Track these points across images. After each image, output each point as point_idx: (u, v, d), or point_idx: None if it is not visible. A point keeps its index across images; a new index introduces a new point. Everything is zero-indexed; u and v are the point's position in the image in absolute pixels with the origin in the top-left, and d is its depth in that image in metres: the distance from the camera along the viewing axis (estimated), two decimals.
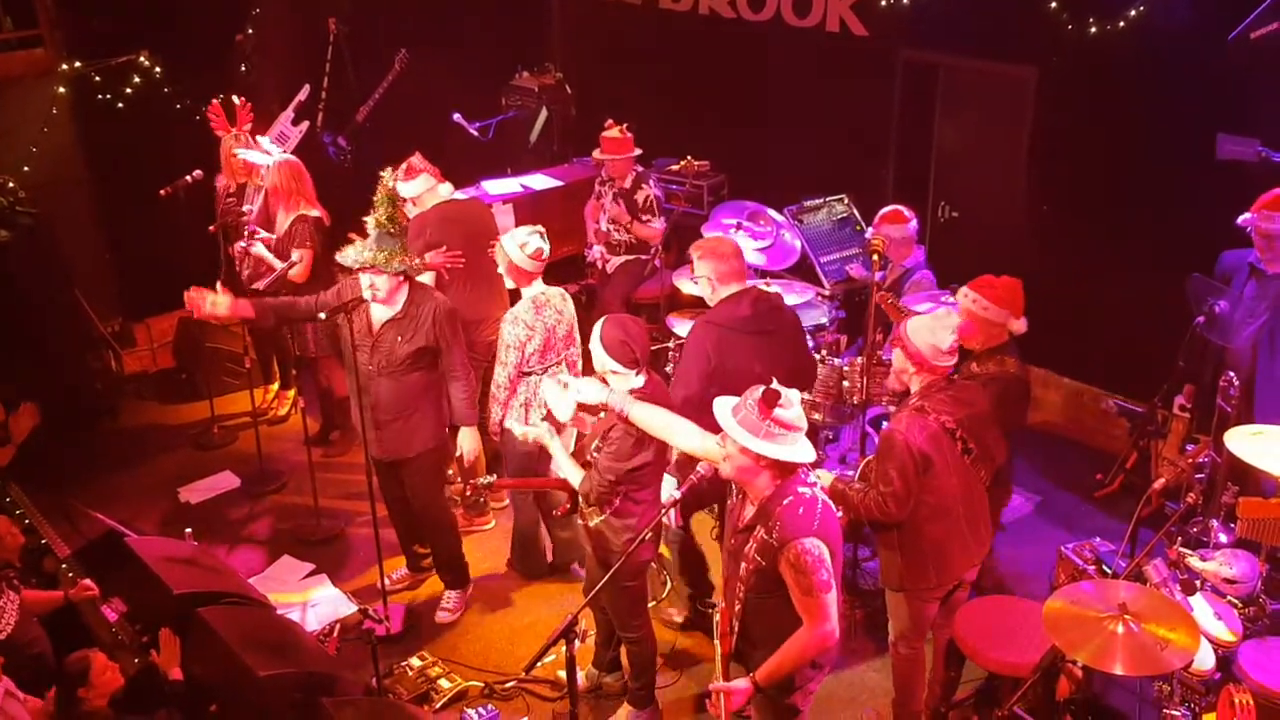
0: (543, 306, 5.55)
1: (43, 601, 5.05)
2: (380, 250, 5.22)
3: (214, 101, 7.06)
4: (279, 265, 6.54)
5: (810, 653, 3.84)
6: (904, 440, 4.40)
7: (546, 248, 5.51)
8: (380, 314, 5.42)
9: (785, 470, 3.80)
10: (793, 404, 3.75)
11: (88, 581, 5.14)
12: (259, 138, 7.14)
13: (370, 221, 5.32)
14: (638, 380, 4.57)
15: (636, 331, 4.58)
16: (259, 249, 6.64)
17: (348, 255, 5.30)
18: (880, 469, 4.48)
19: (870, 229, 6.28)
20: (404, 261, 5.29)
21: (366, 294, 5.30)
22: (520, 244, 5.46)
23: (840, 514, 4.01)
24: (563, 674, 4.24)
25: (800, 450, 3.77)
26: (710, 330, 5.09)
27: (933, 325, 4.53)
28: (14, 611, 4.73)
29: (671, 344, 6.64)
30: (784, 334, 5.25)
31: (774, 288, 6.26)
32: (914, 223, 6.35)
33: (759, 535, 3.80)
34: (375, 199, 5.27)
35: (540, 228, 5.55)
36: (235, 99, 7.07)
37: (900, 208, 6.34)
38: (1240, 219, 5.46)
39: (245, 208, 6.98)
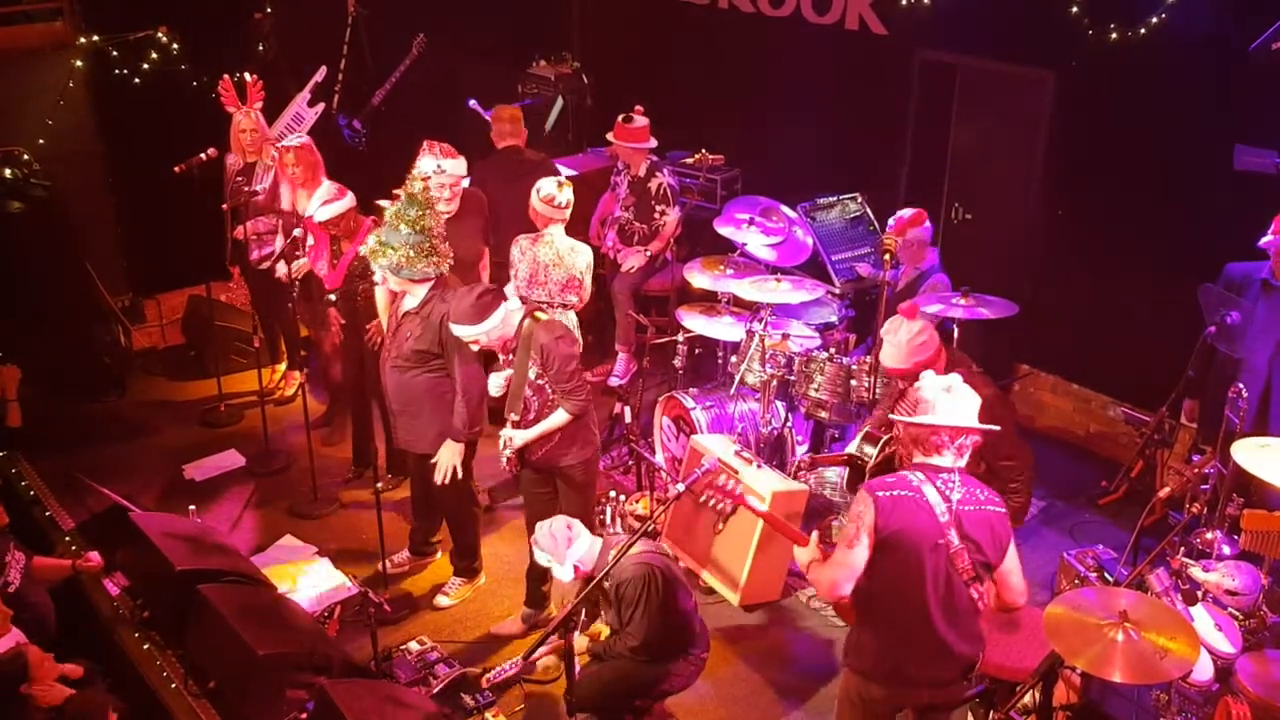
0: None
1: (51, 568, 5.08)
2: (402, 250, 5.16)
3: (225, 77, 7.05)
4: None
5: None
6: None
7: (561, 196, 6.20)
8: (407, 303, 5.40)
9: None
10: None
11: (94, 554, 5.16)
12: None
13: (388, 211, 5.24)
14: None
15: None
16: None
17: (377, 259, 5.25)
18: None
19: (891, 231, 6.22)
20: (425, 270, 5.23)
21: (378, 278, 5.28)
22: (535, 189, 6.22)
23: None
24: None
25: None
26: (482, 170, 7.17)
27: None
28: (18, 571, 4.75)
29: (680, 337, 6.64)
30: (521, 175, 6.96)
31: (784, 284, 6.26)
32: (929, 225, 6.34)
33: None
34: (405, 198, 5.18)
35: (561, 178, 6.35)
36: (247, 76, 7.07)
37: (920, 210, 6.32)
38: (1261, 241, 5.42)
39: (259, 186, 6.97)
